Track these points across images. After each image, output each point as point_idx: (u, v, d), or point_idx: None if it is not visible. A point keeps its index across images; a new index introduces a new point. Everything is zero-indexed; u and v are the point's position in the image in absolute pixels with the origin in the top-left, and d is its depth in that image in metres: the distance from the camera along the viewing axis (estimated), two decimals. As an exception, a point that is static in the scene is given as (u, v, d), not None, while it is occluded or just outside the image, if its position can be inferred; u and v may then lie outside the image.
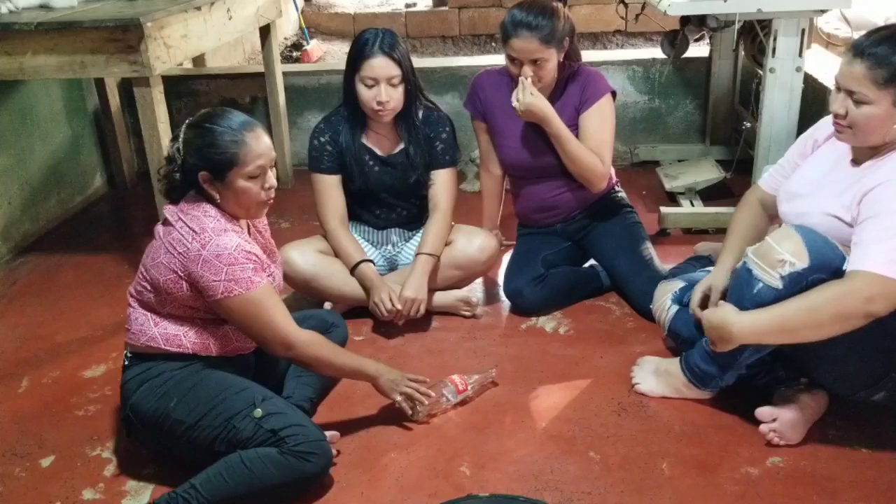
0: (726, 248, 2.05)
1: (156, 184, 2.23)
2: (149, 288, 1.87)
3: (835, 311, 1.68)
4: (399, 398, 2.02)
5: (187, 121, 1.87)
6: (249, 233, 1.97)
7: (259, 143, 1.83)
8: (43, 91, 3.39)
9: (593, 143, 2.49)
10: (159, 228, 1.88)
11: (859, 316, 1.67)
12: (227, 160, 1.80)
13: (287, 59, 6.44)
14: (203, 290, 1.79)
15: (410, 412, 2.05)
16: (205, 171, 1.81)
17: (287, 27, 7.16)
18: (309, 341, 1.88)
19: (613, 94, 2.56)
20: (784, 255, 1.75)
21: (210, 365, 1.89)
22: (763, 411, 1.92)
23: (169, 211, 1.87)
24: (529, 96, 2.40)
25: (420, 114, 2.53)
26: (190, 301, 1.84)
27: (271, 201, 1.90)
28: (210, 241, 1.78)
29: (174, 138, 1.86)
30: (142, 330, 1.88)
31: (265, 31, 3.62)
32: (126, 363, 1.92)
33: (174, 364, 1.86)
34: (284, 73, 3.80)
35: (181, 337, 1.87)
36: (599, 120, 2.50)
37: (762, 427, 1.92)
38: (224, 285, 1.77)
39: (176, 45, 2.65)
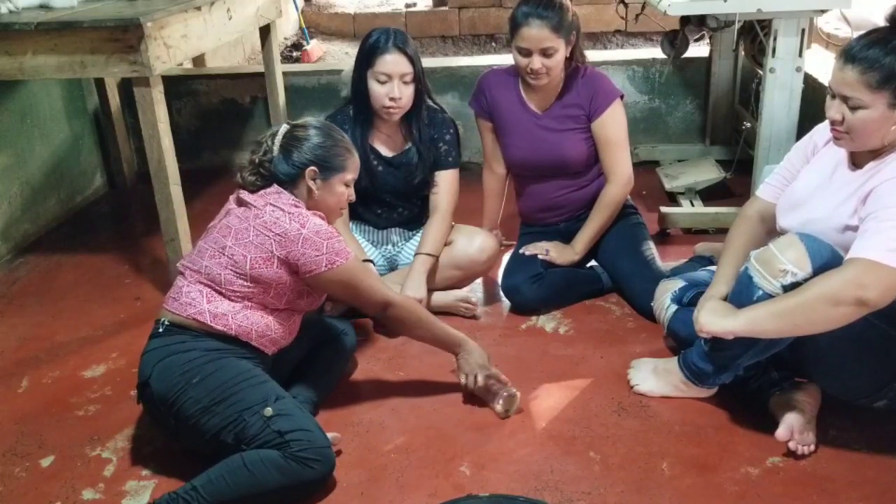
0: (724, 262, 2.02)
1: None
2: (223, 263, 1.91)
3: (826, 295, 1.67)
4: (464, 380, 2.11)
5: (289, 123, 2.05)
6: None
7: (356, 157, 2.07)
8: (43, 91, 3.39)
9: (610, 158, 2.56)
10: (237, 210, 1.96)
11: (850, 302, 1.65)
12: (339, 163, 2.00)
13: (287, 59, 6.45)
14: (303, 266, 1.90)
15: (502, 411, 2.10)
16: (315, 166, 1.95)
17: (287, 27, 7.16)
18: (404, 300, 2.09)
19: (621, 96, 2.57)
20: (786, 265, 1.75)
21: (237, 356, 1.90)
22: (782, 434, 1.90)
23: (249, 196, 1.96)
24: (558, 256, 2.61)
25: (425, 115, 2.54)
26: (273, 277, 1.91)
27: (341, 215, 2.14)
28: (308, 220, 1.91)
29: (272, 134, 2.01)
30: (192, 303, 1.91)
31: (265, 31, 3.62)
32: (160, 330, 1.92)
33: (207, 343, 1.88)
34: (284, 73, 3.79)
35: (228, 317, 1.90)
36: (613, 129, 2.55)
37: (791, 444, 1.90)
38: (327, 258, 1.90)
39: (176, 45, 2.65)
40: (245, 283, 1.91)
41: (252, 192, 1.97)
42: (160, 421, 1.93)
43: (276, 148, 1.97)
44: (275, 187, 1.96)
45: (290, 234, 1.88)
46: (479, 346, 2.14)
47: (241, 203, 1.97)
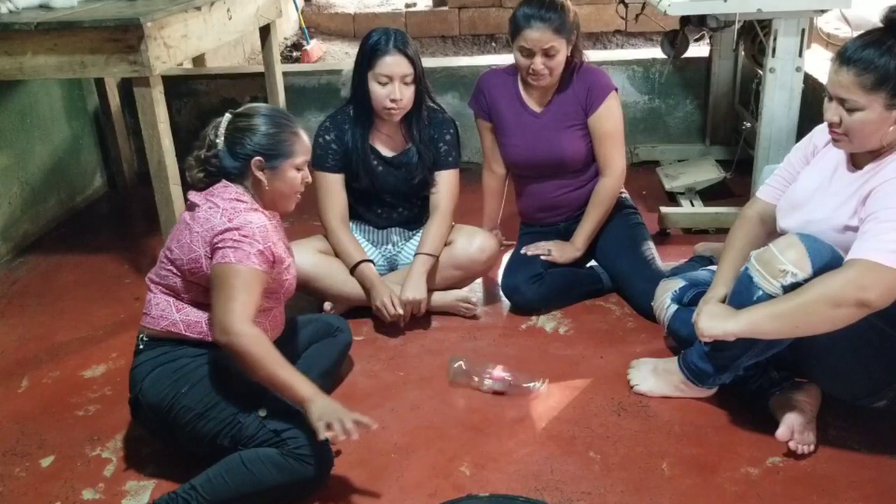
0: (724, 263, 2.02)
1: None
2: (174, 271, 1.89)
3: (827, 297, 1.66)
4: (321, 426, 1.71)
5: (231, 112, 1.96)
6: None
7: (304, 137, 1.98)
8: (43, 91, 3.39)
9: (605, 151, 2.58)
10: (185, 214, 1.92)
11: (851, 303, 1.65)
12: (286, 149, 1.91)
13: (287, 59, 6.44)
14: (213, 260, 1.80)
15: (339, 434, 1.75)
16: (260, 156, 1.88)
17: (287, 27, 7.16)
18: (250, 335, 1.73)
19: (615, 89, 2.58)
20: (786, 265, 1.74)
21: (223, 356, 1.88)
22: (782, 434, 1.90)
23: (196, 196, 1.91)
24: (559, 255, 2.61)
25: (425, 115, 2.54)
26: (207, 282, 1.84)
27: (299, 196, 2.01)
28: (238, 215, 1.83)
29: (214, 126, 1.93)
30: (163, 315, 1.89)
31: (265, 31, 3.63)
32: (141, 347, 1.92)
33: (190, 351, 1.87)
34: (284, 73, 3.80)
35: (202, 324, 1.88)
36: (609, 123, 2.56)
37: (791, 444, 1.90)
38: (221, 252, 1.78)
39: (176, 45, 2.65)
40: (198, 287, 1.85)
41: (201, 189, 1.92)
42: (156, 433, 1.94)
43: (220, 141, 1.90)
44: (222, 182, 1.90)
45: (216, 228, 1.81)
46: (332, 402, 1.76)
47: (190, 207, 1.92)
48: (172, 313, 1.89)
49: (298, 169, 1.95)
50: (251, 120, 1.92)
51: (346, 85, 2.62)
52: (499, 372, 2.19)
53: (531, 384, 2.18)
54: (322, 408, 1.72)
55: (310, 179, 2.01)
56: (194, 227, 1.85)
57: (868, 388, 1.89)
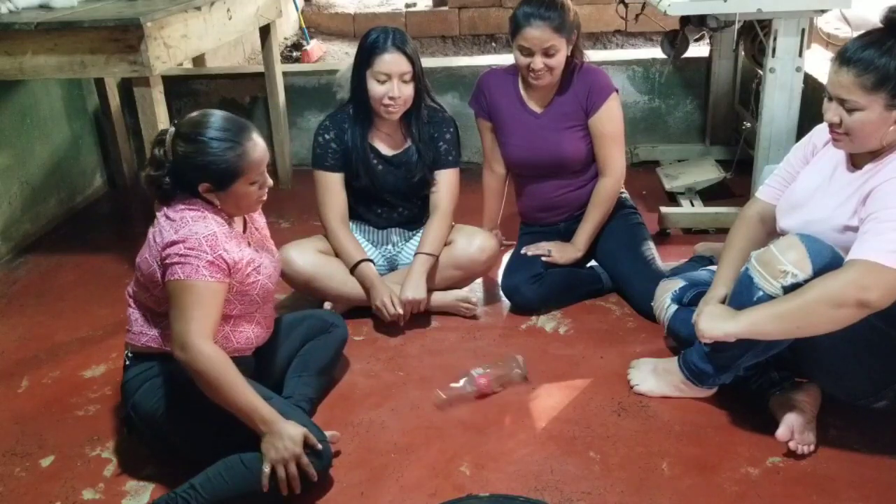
0: (724, 263, 2.02)
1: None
2: (142, 286, 1.88)
3: (828, 297, 1.66)
4: (268, 470, 1.72)
5: (175, 129, 1.83)
6: (245, 228, 1.98)
7: (257, 150, 1.84)
8: (43, 91, 3.40)
9: (606, 152, 2.58)
10: (150, 229, 1.90)
11: (852, 304, 1.65)
12: (232, 173, 1.81)
13: (287, 59, 6.44)
14: (162, 275, 1.77)
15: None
16: (206, 182, 1.81)
17: (287, 27, 7.16)
18: (207, 354, 1.70)
19: (616, 90, 2.58)
20: (787, 266, 1.75)
21: None
22: (782, 434, 1.90)
23: (158, 211, 1.88)
24: (560, 256, 2.61)
25: (425, 114, 2.54)
26: (164, 295, 1.81)
27: (265, 198, 1.93)
28: (185, 226, 1.78)
29: (159, 143, 1.84)
30: (142, 330, 1.89)
31: (265, 31, 3.62)
32: (127, 363, 1.92)
33: (175, 363, 1.84)
34: (284, 73, 3.79)
35: None
36: (610, 124, 2.56)
37: (791, 444, 1.90)
38: (171, 269, 1.75)
39: (176, 45, 2.65)
40: (165, 300, 1.80)
41: (166, 204, 1.86)
42: (153, 444, 1.94)
43: (167, 161, 1.82)
44: (180, 194, 1.85)
45: (164, 242, 1.77)
46: (293, 427, 1.75)
47: (155, 221, 1.89)
48: (150, 328, 1.88)
49: (253, 183, 1.85)
50: (190, 146, 1.79)
51: (343, 87, 2.62)
52: (478, 372, 2.17)
53: (513, 370, 2.17)
54: (271, 444, 1.72)
55: (271, 183, 1.92)
56: (150, 242, 1.83)
57: (868, 388, 1.89)
